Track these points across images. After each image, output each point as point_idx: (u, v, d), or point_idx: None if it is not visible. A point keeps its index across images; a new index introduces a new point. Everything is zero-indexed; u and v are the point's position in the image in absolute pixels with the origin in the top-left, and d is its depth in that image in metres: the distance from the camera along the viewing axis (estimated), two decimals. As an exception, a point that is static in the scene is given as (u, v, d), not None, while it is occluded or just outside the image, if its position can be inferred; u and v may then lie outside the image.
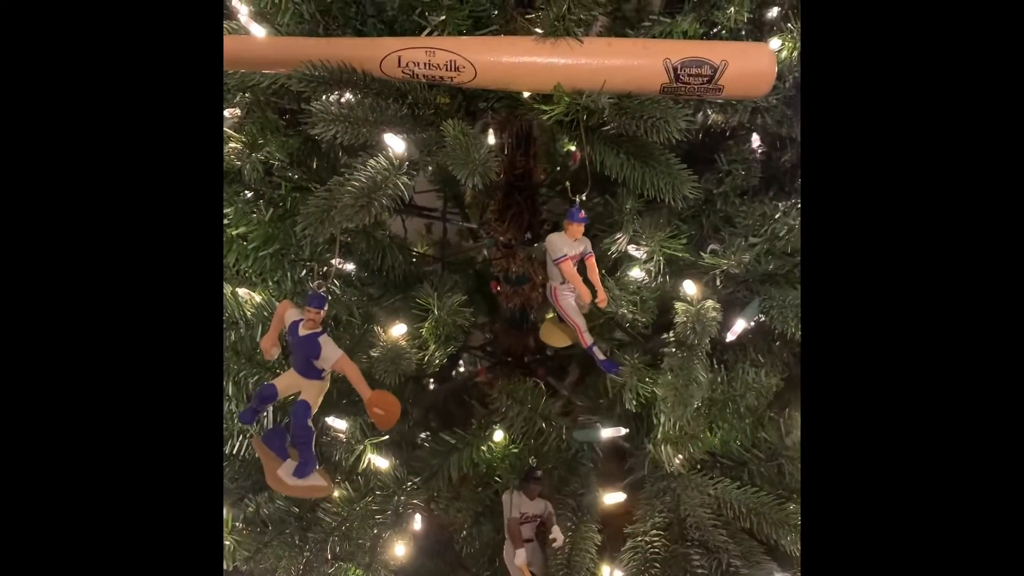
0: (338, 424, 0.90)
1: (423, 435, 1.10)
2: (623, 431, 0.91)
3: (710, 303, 0.76)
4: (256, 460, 0.92)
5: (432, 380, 1.31)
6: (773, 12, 0.88)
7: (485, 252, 1.33)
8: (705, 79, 0.73)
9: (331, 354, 0.72)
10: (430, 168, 0.76)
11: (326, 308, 0.72)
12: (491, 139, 1.02)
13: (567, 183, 0.77)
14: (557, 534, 0.85)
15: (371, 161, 0.68)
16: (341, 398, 0.93)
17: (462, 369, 1.45)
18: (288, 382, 0.74)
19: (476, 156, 0.67)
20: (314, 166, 0.96)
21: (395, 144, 0.69)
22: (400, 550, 0.91)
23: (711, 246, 0.85)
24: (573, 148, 1.17)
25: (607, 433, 0.90)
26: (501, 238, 1.15)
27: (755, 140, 0.93)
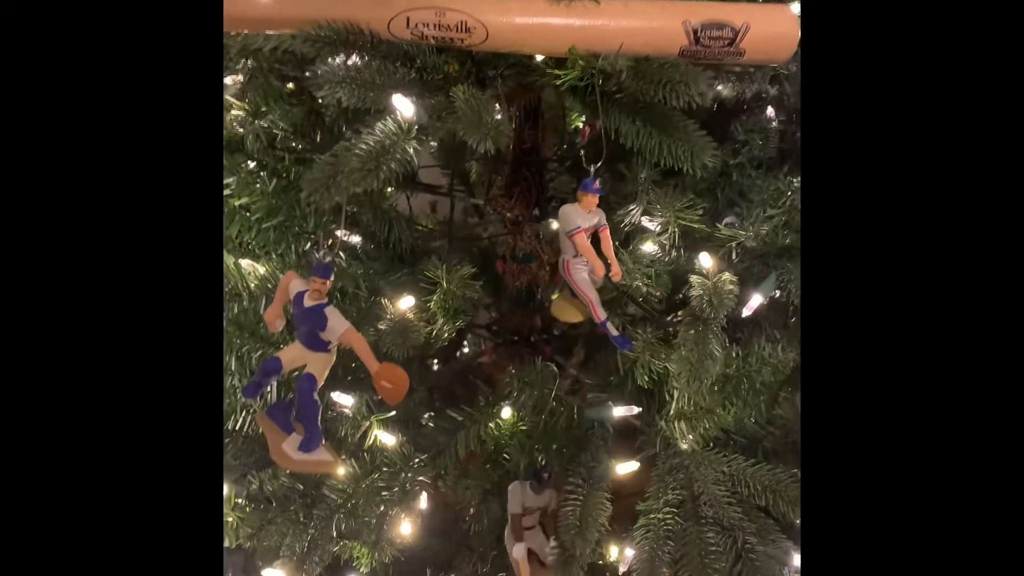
0: (344, 400, 0.88)
1: (427, 415, 1.08)
2: (636, 410, 0.89)
3: (727, 276, 0.74)
4: (259, 437, 0.91)
5: (436, 360, 1.29)
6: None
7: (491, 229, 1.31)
8: (726, 42, 0.70)
9: (337, 326, 0.70)
10: (439, 137, 0.74)
11: (332, 278, 0.70)
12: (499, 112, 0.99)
13: (581, 152, 0.75)
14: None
15: (379, 124, 0.65)
16: (347, 374, 0.91)
17: (467, 350, 1.43)
18: (293, 355, 0.72)
19: (488, 120, 0.65)
20: (318, 139, 0.93)
21: (403, 107, 0.67)
22: (406, 528, 0.89)
23: (727, 218, 0.83)
24: (581, 124, 1.15)
25: (619, 411, 0.88)
26: (508, 214, 1.12)
27: (770, 111, 0.91)
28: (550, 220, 1.08)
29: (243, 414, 0.89)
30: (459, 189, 1.41)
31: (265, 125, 0.86)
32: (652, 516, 0.80)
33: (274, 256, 0.90)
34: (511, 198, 1.12)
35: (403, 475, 0.86)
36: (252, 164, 0.89)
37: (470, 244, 1.26)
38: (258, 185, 0.88)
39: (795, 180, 0.84)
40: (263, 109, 0.85)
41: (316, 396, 0.71)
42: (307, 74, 0.85)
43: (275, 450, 0.72)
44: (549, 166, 1.14)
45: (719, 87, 1.00)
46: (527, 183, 1.10)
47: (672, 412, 0.84)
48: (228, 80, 0.89)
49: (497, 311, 1.32)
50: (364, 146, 0.63)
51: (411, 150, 0.66)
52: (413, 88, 0.71)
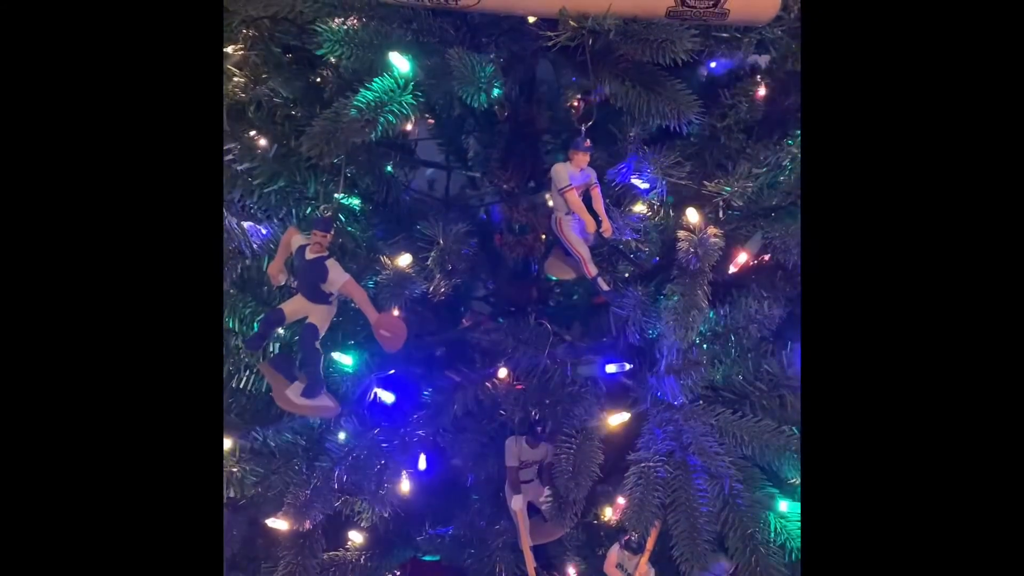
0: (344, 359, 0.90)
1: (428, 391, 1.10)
2: (628, 366, 0.92)
3: (712, 229, 0.77)
4: (263, 394, 0.93)
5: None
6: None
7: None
8: (711, 3, 0.72)
9: (337, 277, 0.72)
10: (435, 102, 0.77)
11: (332, 232, 0.73)
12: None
13: (572, 109, 0.77)
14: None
15: (376, 80, 0.68)
16: (347, 339, 0.94)
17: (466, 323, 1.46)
18: (295, 307, 0.75)
19: (482, 74, 0.68)
20: (317, 110, 0.96)
21: (400, 63, 0.69)
22: (406, 483, 0.92)
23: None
24: (576, 103, 1.18)
25: (611, 368, 0.91)
26: (504, 186, 1.15)
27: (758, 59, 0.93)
28: (545, 193, 1.11)
29: (247, 373, 0.92)
30: (455, 165, 1.44)
31: (268, 92, 0.88)
32: (642, 465, 0.82)
33: (275, 220, 0.93)
34: (507, 170, 1.15)
35: (402, 430, 0.89)
36: (253, 132, 0.92)
37: (468, 215, 1.28)
38: (259, 151, 0.90)
39: (782, 142, 0.87)
40: (264, 76, 0.88)
41: (318, 345, 0.74)
42: (306, 42, 0.89)
43: (279, 395, 0.75)
44: (543, 139, 1.17)
45: (712, 65, 1.03)
46: (522, 156, 1.13)
47: (663, 368, 0.86)
48: (229, 49, 0.91)
49: (494, 282, 1.35)
50: (362, 100, 0.66)
51: (407, 104, 0.68)
52: (410, 49, 0.74)
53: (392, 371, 0.93)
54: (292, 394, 0.74)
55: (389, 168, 1.06)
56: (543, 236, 1.11)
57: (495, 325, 1.18)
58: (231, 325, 0.91)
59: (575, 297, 1.24)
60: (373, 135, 0.66)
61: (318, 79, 0.92)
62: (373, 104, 0.66)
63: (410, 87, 0.69)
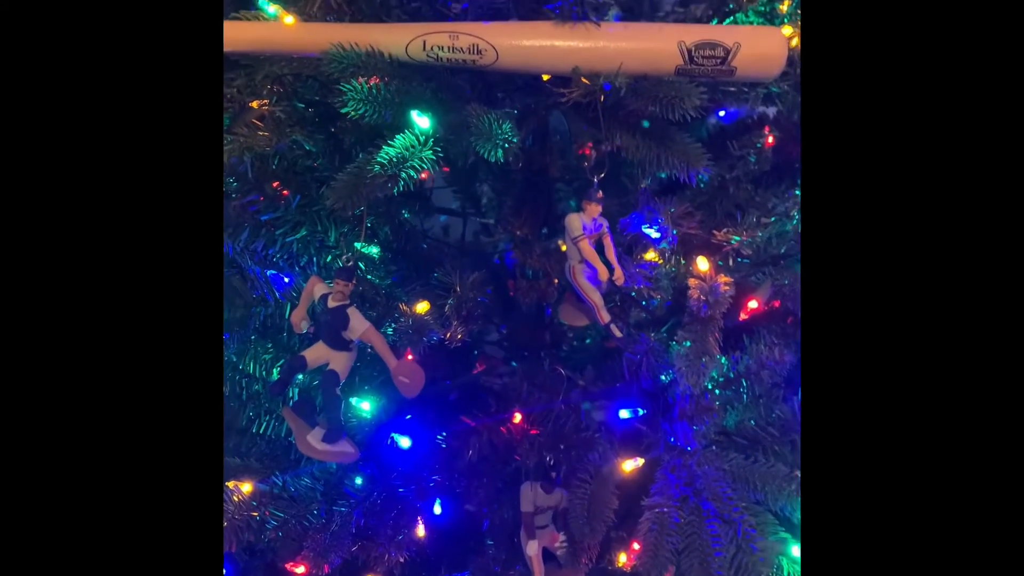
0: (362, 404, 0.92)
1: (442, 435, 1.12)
2: (641, 411, 0.93)
3: (723, 277, 0.79)
4: (283, 440, 0.95)
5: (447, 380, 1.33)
6: (784, 5, 0.91)
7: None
8: (718, 60, 0.75)
9: (358, 325, 0.75)
10: (452, 155, 0.79)
11: (354, 281, 0.75)
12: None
13: (586, 164, 0.80)
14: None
15: (398, 136, 0.71)
16: (364, 383, 0.96)
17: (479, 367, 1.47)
18: (317, 354, 0.77)
19: (499, 131, 0.70)
20: (336, 161, 0.99)
21: (421, 121, 0.72)
22: (422, 529, 0.93)
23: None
24: (587, 150, 1.21)
25: (624, 413, 0.92)
26: (518, 232, 1.18)
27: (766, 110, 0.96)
28: (558, 239, 1.13)
29: (267, 418, 0.94)
30: (470, 212, 1.47)
31: (290, 144, 0.92)
32: (656, 511, 0.83)
33: (297, 269, 0.96)
34: (520, 217, 1.17)
35: (418, 475, 0.90)
36: (276, 183, 0.96)
37: (482, 262, 1.31)
38: (283, 202, 0.94)
39: (789, 192, 0.90)
40: (288, 130, 0.91)
41: (339, 391, 0.76)
42: (326, 98, 0.92)
43: (301, 441, 0.76)
44: (556, 186, 1.20)
45: (720, 114, 1.06)
46: (535, 203, 1.16)
47: (676, 414, 0.88)
48: (254, 104, 0.95)
49: (508, 327, 1.37)
50: (385, 156, 0.69)
51: (427, 160, 0.71)
52: (430, 106, 0.77)
53: (408, 416, 0.95)
54: (313, 439, 0.76)
55: (406, 214, 1.10)
56: (556, 281, 1.13)
57: (509, 369, 1.20)
58: (253, 371, 0.94)
59: (587, 341, 1.26)
60: (395, 190, 0.69)
61: (334, 130, 0.96)
62: (395, 160, 0.69)
63: (430, 143, 0.72)
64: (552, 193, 1.18)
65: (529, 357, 1.27)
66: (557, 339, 1.25)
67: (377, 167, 0.68)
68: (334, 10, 0.83)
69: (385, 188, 0.69)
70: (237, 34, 0.82)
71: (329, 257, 0.96)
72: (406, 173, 0.69)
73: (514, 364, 1.24)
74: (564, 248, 0.89)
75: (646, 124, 0.77)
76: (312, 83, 0.91)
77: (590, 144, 1.17)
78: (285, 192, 0.96)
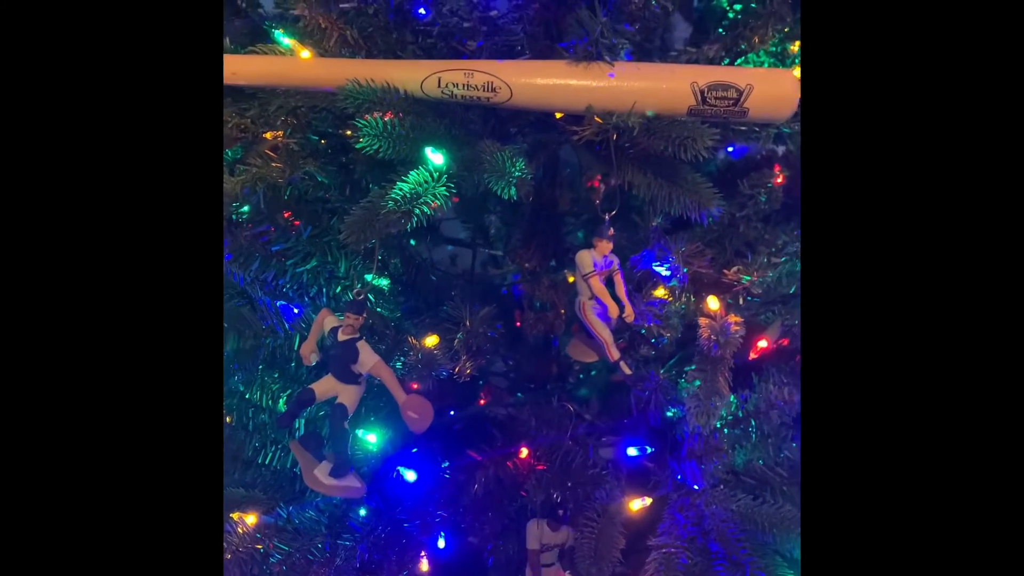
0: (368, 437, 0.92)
1: (446, 464, 1.11)
2: (648, 450, 0.92)
3: (733, 316, 0.79)
4: (288, 471, 0.95)
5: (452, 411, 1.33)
6: (795, 46, 0.92)
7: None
8: (731, 101, 0.76)
9: (368, 359, 0.74)
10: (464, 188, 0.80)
11: (365, 314, 0.75)
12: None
13: (597, 202, 0.80)
14: None
15: (412, 173, 0.71)
16: (369, 414, 0.96)
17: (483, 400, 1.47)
18: (326, 387, 0.77)
19: (511, 169, 0.71)
20: (347, 192, 1.00)
21: (435, 157, 0.73)
22: (426, 564, 0.92)
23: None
24: (595, 183, 1.21)
25: (632, 451, 0.92)
26: (526, 264, 1.18)
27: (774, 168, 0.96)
28: (567, 272, 1.14)
29: (273, 449, 0.93)
30: (479, 243, 1.48)
31: (303, 176, 0.92)
32: (664, 551, 0.82)
33: (306, 299, 0.96)
34: (529, 249, 1.18)
35: (424, 509, 0.90)
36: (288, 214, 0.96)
37: (490, 294, 1.31)
38: (293, 232, 0.94)
39: (799, 231, 0.90)
40: (300, 162, 0.92)
41: (347, 425, 0.76)
42: (339, 130, 0.93)
43: (308, 475, 0.76)
44: (565, 219, 1.21)
45: (729, 149, 1.07)
46: (544, 235, 1.17)
47: (684, 453, 0.87)
48: (268, 135, 0.96)
49: (514, 359, 1.37)
50: (399, 192, 0.69)
51: (440, 196, 0.72)
52: (443, 142, 0.77)
53: (415, 450, 0.95)
54: (320, 474, 0.76)
55: (412, 241, 1.10)
56: (563, 312, 1.14)
57: (515, 400, 1.20)
58: (260, 400, 0.94)
59: (593, 374, 1.26)
60: (409, 226, 0.69)
61: (345, 161, 0.97)
62: (409, 196, 0.69)
63: (443, 179, 0.72)
64: (561, 226, 1.19)
65: (535, 389, 1.27)
66: (564, 371, 1.25)
67: (391, 203, 0.68)
68: (350, 45, 0.85)
69: (399, 224, 0.69)
70: (254, 67, 0.83)
71: (339, 288, 0.96)
72: (419, 209, 0.70)
73: (519, 395, 1.24)
74: (572, 280, 0.90)
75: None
76: (326, 115, 0.92)
77: (599, 177, 1.19)
78: (296, 223, 0.97)
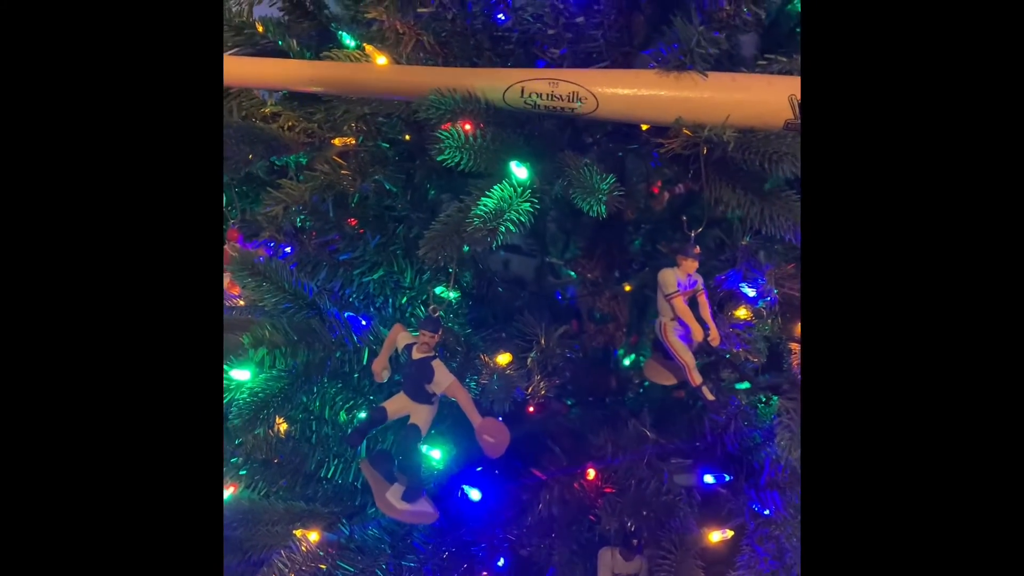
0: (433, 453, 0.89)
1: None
2: (726, 477, 0.89)
3: (828, 344, 0.75)
4: (350, 486, 0.93)
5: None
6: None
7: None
8: (831, 116, 0.72)
9: (443, 379, 0.72)
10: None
11: (441, 332, 0.72)
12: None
13: (683, 218, 0.77)
14: None
15: (496, 187, 0.68)
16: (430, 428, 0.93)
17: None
18: (398, 406, 0.74)
19: (601, 185, 0.68)
20: (409, 197, 0.97)
21: (519, 171, 0.70)
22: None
23: None
24: (655, 189, 1.18)
25: (709, 479, 0.88)
26: (589, 275, 1.15)
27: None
28: (625, 284, 1.10)
29: (336, 462, 0.91)
30: (533, 250, 1.45)
31: (372, 184, 0.90)
32: (744, 586, 0.79)
33: (372, 309, 0.94)
34: (592, 259, 1.14)
35: (490, 531, 0.87)
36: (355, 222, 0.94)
37: (548, 302, 1.28)
38: (360, 242, 0.92)
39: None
40: (370, 170, 0.90)
41: (420, 447, 0.73)
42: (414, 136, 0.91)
43: (379, 499, 0.73)
44: (629, 229, 1.17)
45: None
46: (608, 246, 1.13)
47: (765, 480, 0.83)
48: (337, 141, 0.94)
49: (571, 371, 1.34)
50: (484, 208, 0.66)
51: (524, 212, 0.69)
52: (522, 153, 0.74)
53: (480, 468, 0.92)
54: (393, 498, 0.73)
55: (466, 248, 1.07)
56: (624, 326, 1.10)
57: (576, 416, 1.16)
58: (324, 413, 0.92)
59: (647, 384, 1.22)
60: (494, 244, 0.67)
61: (412, 169, 0.94)
62: (494, 213, 0.66)
63: (526, 193, 0.69)
64: (625, 235, 1.15)
65: (593, 403, 1.23)
66: (623, 385, 1.21)
67: (477, 220, 0.65)
68: (427, 51, 0.82)
69: (483, 242, 0.66)
70: (329, 73, 0.80)
71: (404, 299, 0.94)
72: (505, 226, 0.67)
73: (574, 412, 1.21)
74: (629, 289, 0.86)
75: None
76: (396, 121, 0.90)
77: (659, 183, 1.15)
78: (361, 231, 0.95)
